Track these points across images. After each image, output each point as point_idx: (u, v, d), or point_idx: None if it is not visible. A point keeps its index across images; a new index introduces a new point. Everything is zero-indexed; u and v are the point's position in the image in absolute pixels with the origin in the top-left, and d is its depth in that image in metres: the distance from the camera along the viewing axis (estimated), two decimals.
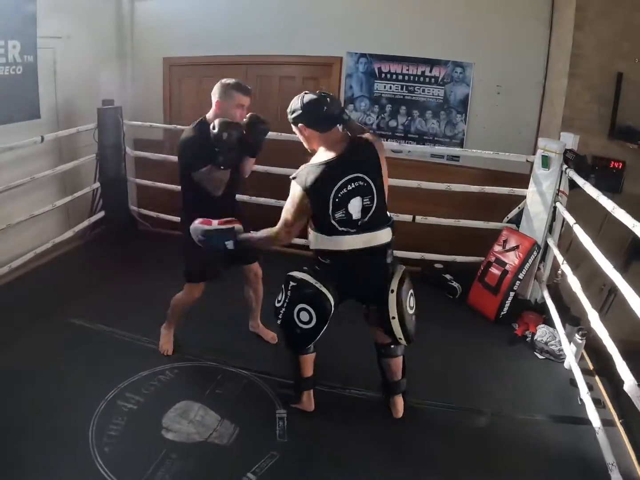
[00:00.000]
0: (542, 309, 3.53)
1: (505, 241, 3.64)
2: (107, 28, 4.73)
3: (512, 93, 4.19)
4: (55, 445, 2.13)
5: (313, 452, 2.24)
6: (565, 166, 3.31)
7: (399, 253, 3.82)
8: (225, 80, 2.48)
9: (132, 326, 3.04)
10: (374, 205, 2.10)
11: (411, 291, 2.31)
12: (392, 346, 2.38)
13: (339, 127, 2.17)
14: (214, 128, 2.30)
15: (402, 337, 2.25)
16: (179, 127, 4.35)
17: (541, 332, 3.19)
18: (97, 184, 4.42)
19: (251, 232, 2.22)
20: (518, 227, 3.75)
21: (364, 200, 2.08)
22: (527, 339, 3.22)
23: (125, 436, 2.20)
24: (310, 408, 2.45)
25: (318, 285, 2.14)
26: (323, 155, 2.08)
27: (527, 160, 3.69)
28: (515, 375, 2.92)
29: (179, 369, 2.71)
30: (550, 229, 3.51)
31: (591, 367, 2.95)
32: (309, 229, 2.18)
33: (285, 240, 2.16)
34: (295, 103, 2.11)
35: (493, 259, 3.65)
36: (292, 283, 2.20)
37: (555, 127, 3.79)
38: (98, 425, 2.24)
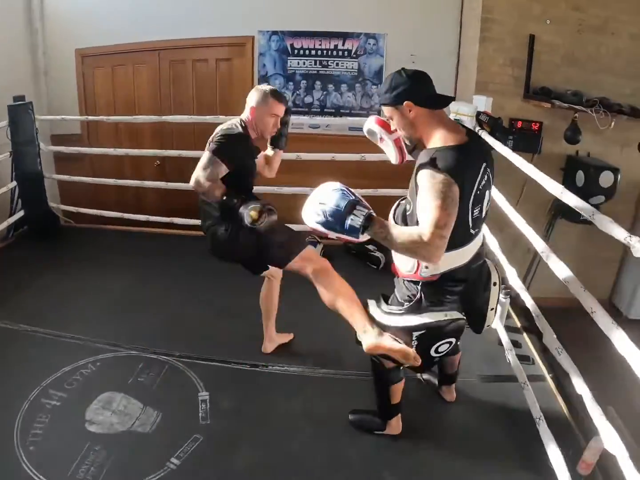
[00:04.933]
0: None
1: None
2: (16, 22, 4.56)
3: (426, 62, 4.19)
4: None
5: (236, 432, 2.28)
6: (478, 128, 3.41)
7: None
8: (262, 87, 2.34)
9: (55, 324, 3.00)
10: (489, 202, 1.81)
11: None
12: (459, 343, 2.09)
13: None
14: (243, 214, 2.04)
15: (490, 324, 2.03)
16: (90, 118, 4.29)
17: None
18: (14, 183, 4.29)
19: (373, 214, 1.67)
20: None
21: (489, 193, 1.78)
22: None
23: (49, 433, 2.20)
24: (399, 431, 2.25)
25: (454, 313, 1.79)
26: (448, 139, 1.65)
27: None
28: None
29: (100, 361, 2.70)
30: None
31: (519, 325, 3.09)
32: None
33: (435, 253, 1.55)
34: (396, 78, 1.69)
35: None
36: (418, 332, 1.78)
37: (470, 92, 3.91)
38: (22, 425, 2.22)
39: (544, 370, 2.70)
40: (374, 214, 1.66)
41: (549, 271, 2.20)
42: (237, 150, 2.18)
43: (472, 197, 1.64)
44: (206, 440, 2.21)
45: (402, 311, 1.86)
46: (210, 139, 2.19)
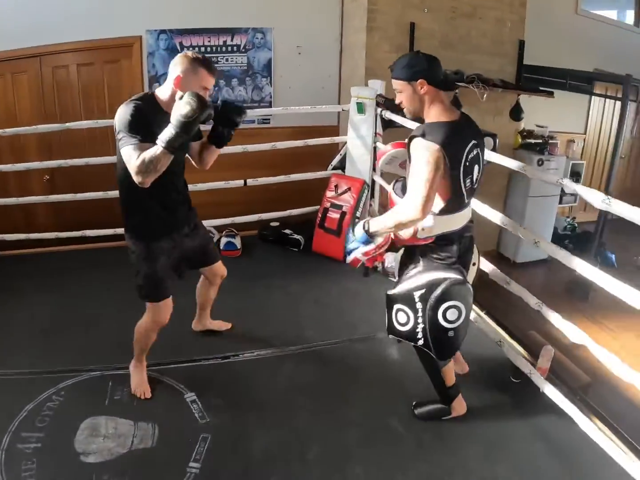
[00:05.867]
0: None
1: (336, 186, 3.99)
2: None
3: (312, 52, 4.51)
4: None
5: (239, 421, 2.31)
6: (380, 109, 3.72)
7: (238, 219, 4.05)
8: (190, 53, 2.02)
9: None
10: (481, 177, 2.02)
11: None
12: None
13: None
14: (180, 98, 1.85)
15: None
16: None
17: (390, 259, 3.61)
18: None
19: (369, 218, 1.97)
20: (344, 171, 4.12)
21: (479, 168, 1.97)
22: (379, 269, 3.66)
23: (43, 478, 1.98)
24: (464, 411, 2.31)
25: (452, 273, 1.95)
26: (442, 116, 1.88)
27: (342, 110, 4.05)
28: (376, 299, 3.15)
29: (64, 389, 2.48)
30: (374, 168, 3.94)
31: None
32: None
33: (424, 207, 1.76)
34: (414, 58, 1.91)
35: (328, 204, 3.98)
36: (419, 292, 1.96)
37: (359, 77, 4.21)
38: (8, 479, 1.97)
39: (478, 311, 3.01)
40: (367, 221, 1.96)
41: None
42: (147, 124, 1.93)
43: (461, 167, 1.85)
44: (215, 436, 2.20)
45: (407, 276, 2.04)
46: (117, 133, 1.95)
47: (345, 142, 4.04)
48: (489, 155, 2.59)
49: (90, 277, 3.57)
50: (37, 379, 2.56)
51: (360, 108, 3.79)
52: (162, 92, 2.05)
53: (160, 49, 4.26)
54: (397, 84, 1.95)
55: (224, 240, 3.95)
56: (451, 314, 1.94)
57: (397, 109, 3.71)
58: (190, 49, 4.28)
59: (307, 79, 4.56)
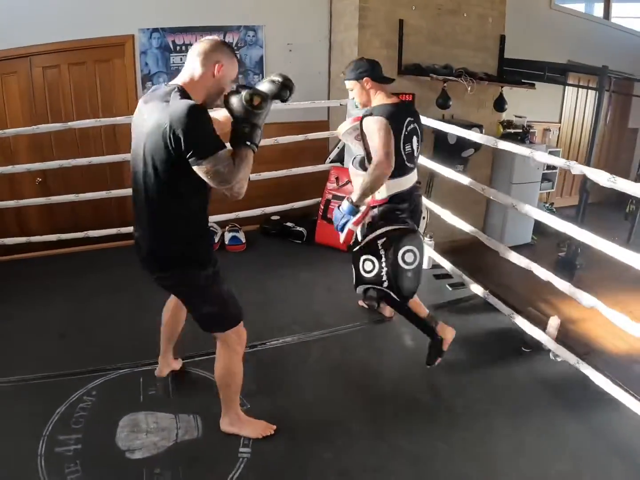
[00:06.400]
0: None
1: (337, 178, 4.10)
2: None
3: (302, 49, 4.58)
4: None
5: (279, 403, 2.40)
6: None
7: (242, 214, 4.09)
8: (220, 40, 1.82)
9: (13, 369, 2.60)
10: (419, 147, 2.57)
11: None
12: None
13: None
14: (236, 91, 1.71)
15: None
16: None
17: None
18: None
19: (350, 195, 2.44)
20: (342, 164, 4.23)
21: (418, 140, 2.53)
22: None
23: (91, 478, 1.97)
24: (453, 333, 2.62)
25: (406, 225, 2.45)
26: (384, 101, 2.45)
27: (340, 105, 4.15)
28: None
29: (95, 389, 2.47)
30: None
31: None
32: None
33: (388, 170, 2.31)
34: (359, 62, 2.50)
35: (330, 196, 4.08)
36: (381, 240, 2.41)
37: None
38: None
39: (480, 288, 3.27)
40: (349, 197, 2.44)
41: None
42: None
43: (402, 136, 2.40)
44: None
45: (370, 232, 2.49)
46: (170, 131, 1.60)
47: None
48: (503, 145, 2.94)
49: (96, 278, 3.57)
50: (63, 381, 2.54)
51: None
52: (194, 85, 1.74)
53: (153, 48, 4.23)
54: (349, 84, 2.52)
55: (228, 235, 3.99)
56: (409, 257, 2.40)
57: None
58: (183, 47, 4.27)
59: (298, 75, 4.59)
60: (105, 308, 3.19)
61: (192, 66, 1.76)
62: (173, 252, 1.84)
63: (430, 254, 3.64)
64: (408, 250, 2.39)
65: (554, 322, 2.73)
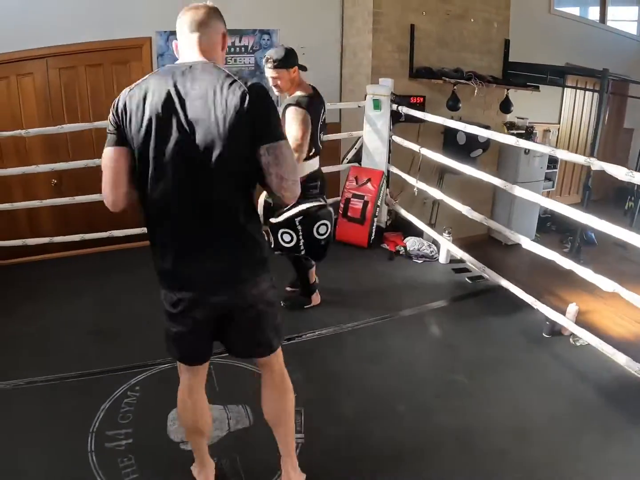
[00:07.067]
0: (393, 228, 4.24)
1: (356, 177, 4.17)
2: None
3: (315, 52, 4.63)
4: None
5: (325, 390, 2.47)
6: (395, 105, 3.94)
7: None
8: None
9: (47, 368, 2.60)
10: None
11: None
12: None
13: None
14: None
15: None
16: None
17: (411, 243, 3.87)
18: None
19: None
20: (360, 164, 4.32)
21: (324, 124, 2.80)
22: (401, 253, 3.88)
23: (146, 472, 1.97)
24: (318, 301, 3.18)
25: (319, 202, 2.70)
26: (305, 91, 2.67)
27: (358, 106, 4.24)
28: (408, 279, 3.61)
29: (138, 384, 2.50)
30: (389, 160, 4.16)
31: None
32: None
33: (300, 155, 2.54)
34: (290, 51, 2.62)
35: (350, 195, 4.15)
36: (298, 218, 2.62)
37: (364, 76, 4.42)
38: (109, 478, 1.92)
39: (499, 277, 3.35)
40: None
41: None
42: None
43: (319, 125, 2.69)
44: (307, 408, 2.28)
45: (287, 209, 2.62)
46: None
47: (360, 137, 4.23)
48: (525, 144, 3.21)
49: (120, 278, 3.59)
50: (104, 378, 2.56)
51: (377, 104, 3.99)
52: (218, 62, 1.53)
53: (170, 50, 4.26)
54: (278, 72, 2.62)
55: None
56: (322, 229, 2.68)
57: (409, 106, 4.02)
58: None
59: (311, 78, 4.69)
60: (130, 308, 3.20)
61: (207, 42, 1.49)
62: (260, 255, 1.59)
63: (450, 248, 3.73)
64: (322, 224, 2.67)
65: (572, 309, 2.91)
